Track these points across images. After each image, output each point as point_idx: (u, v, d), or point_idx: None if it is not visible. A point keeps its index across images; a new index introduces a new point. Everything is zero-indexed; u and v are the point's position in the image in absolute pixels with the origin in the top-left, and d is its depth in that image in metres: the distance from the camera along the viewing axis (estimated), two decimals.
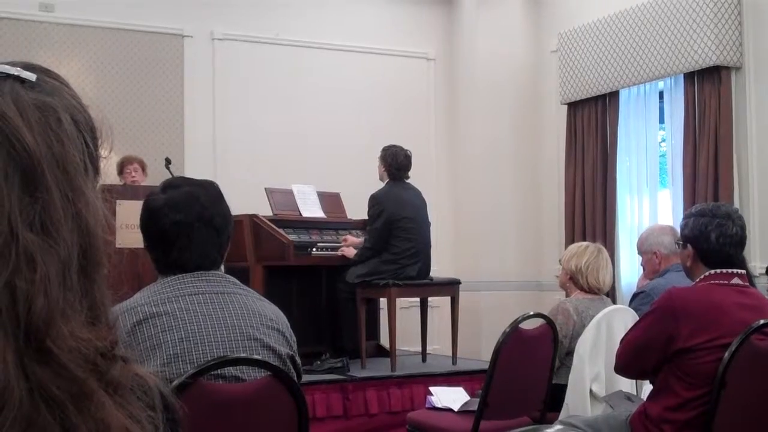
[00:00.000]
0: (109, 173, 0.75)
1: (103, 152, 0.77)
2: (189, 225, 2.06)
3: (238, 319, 2.01)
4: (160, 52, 6.82)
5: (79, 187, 0.70)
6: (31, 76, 0.73)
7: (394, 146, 5.71)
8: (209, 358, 1.93)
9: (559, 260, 4.23)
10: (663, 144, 6.44)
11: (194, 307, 1.98)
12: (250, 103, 7.05)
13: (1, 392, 0.61)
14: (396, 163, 5.64)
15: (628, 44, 6.28)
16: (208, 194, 2.12)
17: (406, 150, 5.70)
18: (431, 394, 4.22)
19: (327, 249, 5.68)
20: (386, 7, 7.62)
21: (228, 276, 2.11)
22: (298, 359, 2.13)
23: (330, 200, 6.17)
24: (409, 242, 5.54)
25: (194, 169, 6.42)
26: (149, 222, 2.10)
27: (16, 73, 0.72)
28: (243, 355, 1.98)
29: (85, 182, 0.71)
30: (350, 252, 5.61)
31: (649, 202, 6.34)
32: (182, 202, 2.07)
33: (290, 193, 5.96)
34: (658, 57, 6.03)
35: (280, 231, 5.47)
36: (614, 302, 4.83)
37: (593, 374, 3.63)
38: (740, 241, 2.88)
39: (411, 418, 4.09)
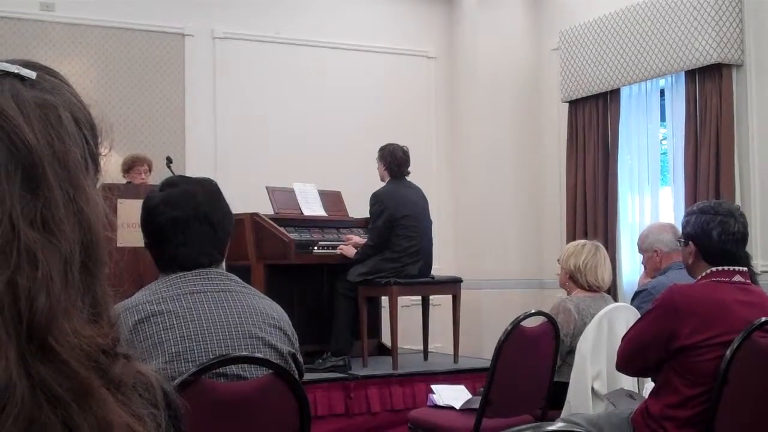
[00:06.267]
0: (110, 171, 0.75)
1: (103, 150, 0.77)
2: (185, 221, 2.06)
3: (240, 317, 2.01)
4: (161, 50, 6.82)
5: (80, 185, 0.70)
6: (31, 74, 0.73)
7: (390, 144, 5.72)
8: (211, 357, 1.93)
9: (558, 260, 4.23)
10: (664, 142, 6.43)
11: (196, 306, 1.98)
12: (251, 101, 7.05)
13: (3, 390, 0.61)
14: (395, 160, 5.65)
15: (629, 42, 6.28)
16: (205, 191, 2.13)
17: (403, 146, 5.71)
18: (433, 392, 4.22)
19: (328, 247, 5.68)
20: (387, 6, 7.62)
21: (230, 274, 2.12)
22: (299, 357, 2.13)
23: (331, 199, 6.17)
24: (410, 240, 5.54)
25: (195, 168, 6.42)
26: (147, 219, 2.12)
27: (16, 71, 0.72)
28: (245, 353, 1.98)
29: (86, 179, 0.71)
30: (349, 251, 5.61)
31: (651, 199, 6.34)
32: (179, 199, 2.09)
33: (291, 191, 5.96)
34: (659, 55, 6.03)
35: (282, 229, 5.47)
36: (616, 300, 4.83)
37: (595, 372, 3.64)
38: (742, 238, 2.88)
39: (413, 416, 4.09)
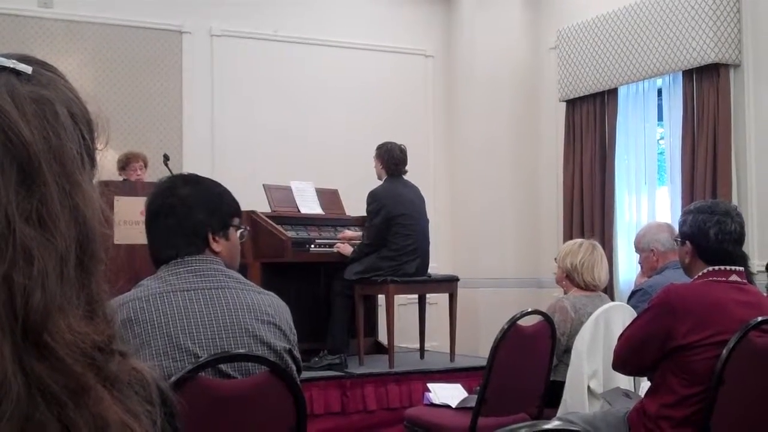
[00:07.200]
0: (105, 167, 0.75)
1: (99, 145, 0.77)
2: (155, 215, 2.12)
3: (231, 314, 2.00)
4: (159, 48, 6.81)
5: (77, 180, 0.70)
6: (27, 69, 0.72)
7: (388, 142, 5.72)
8: (198, 356, 1.92)
9: (555, 258, 4.24)
10: (661, 141, 6.44)
11: (185, 304, 1.97)
12: (249, 99, 7.04)
13: None
14: (392, 158, 5.65)
15: (627, 41, 6.28)
16: (184, 184, 2.15)
17: (401, 144, 5.71)
18: (429, 390, 4.22)
19: (325, 246, 5.68)
20: (384, 4, 7.61)
21: (228, 271, 2.10)
22: (297, 353, 2.11)
23: (328, 197, 6.17)
24: (407, 239, 5.53)
25: (192, 166, 6.41)
26: None
27: (12, 66, 0.72)
28: (242, 351, 1.98)
29: (82, 175, 0.71)
30: (346, 249, 5.61)
31: (648, 199, 6.34)
32: (156, 194, 2.14)
33: (288, 189, 5.96)
34: (656, 54, 6.03)
35: (279, 227, 5.47)
36: (612, 299, 4.83)
37: (591, 371, 3.64)
38: (739, 238, 2.88)
39: (409, 414, 4.09)
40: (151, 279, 2.05)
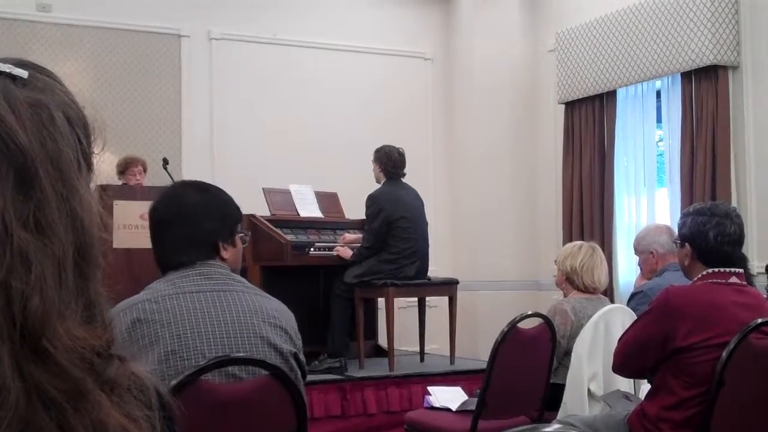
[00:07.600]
0: (104, 171, 0.75)
1: (96, 149, 0.77)
2: (165, 222, 2.12)
3: (239, 315, 2.02)
4: (158, 52, 6.81)
5: (74, 185, 0.69)
6: (23, 73, 0.72)
7: (386, 146, 5.73)
8: (206, 355, 1.94)
9: (555, 261, 4.24)
10: (660, 143, 6.44)
11: (193, 305, 1.99)
12: (248, 103, 7.04)
13: None
14: (391, 161, 5.65)
15: (626, 43, 6.28)
16: (193, 192, 2.16)
17: (399, 148, 5.71)
18: (429, 393, 4.22)
19: (325, 249, 5.68)
20: (384, 7, 7.62)
21: (233, 275, 2.12)
22: (301, 356, 2.13)
23: (327, 200, 6.17)
24: (407, 242, 5.53)
25: (192, 170, 6.42)
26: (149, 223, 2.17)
27: (8, 71, 0.71)
28: (242, 354, 1.99)
29: (79, 180, 0.71)
30: (345, 252, 5.61)
31: (647, 201, 6.34)
32: (164, 201, 2.15)
33: (288, 193, 5.96)
34: (655, 56, 6.04)
35: (278, 231, 5.47)
36: (612, 302, 4.83)
37: (591, 374, 3.64)
38: (738, 239, 2.88)
39: (409, 417, 4.09)
40: (160, 282, 2.08)
